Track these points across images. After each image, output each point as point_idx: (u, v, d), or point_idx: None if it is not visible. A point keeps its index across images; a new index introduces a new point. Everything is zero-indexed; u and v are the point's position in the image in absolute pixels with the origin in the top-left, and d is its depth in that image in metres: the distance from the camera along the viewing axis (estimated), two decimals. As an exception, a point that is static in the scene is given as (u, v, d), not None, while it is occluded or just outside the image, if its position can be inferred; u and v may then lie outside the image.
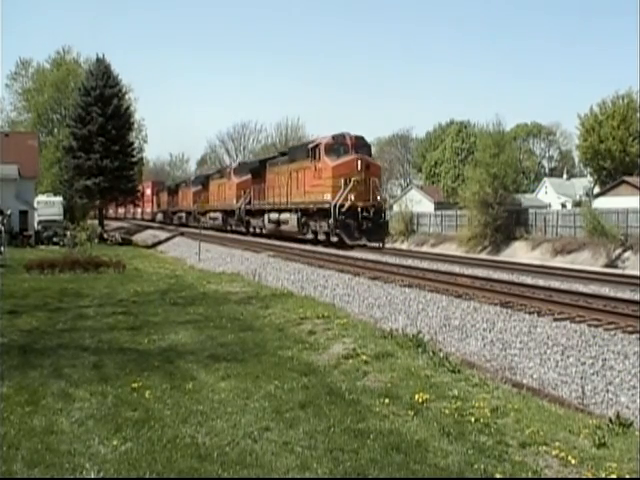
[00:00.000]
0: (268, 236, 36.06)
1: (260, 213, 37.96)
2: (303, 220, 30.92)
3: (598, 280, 16.77)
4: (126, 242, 42.08)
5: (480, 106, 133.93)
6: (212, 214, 48.93)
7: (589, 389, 8.75)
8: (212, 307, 13.53)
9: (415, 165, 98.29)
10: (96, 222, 47.06)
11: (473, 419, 6.42)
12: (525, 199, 53.08)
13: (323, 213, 28.34)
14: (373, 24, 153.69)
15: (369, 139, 31.95)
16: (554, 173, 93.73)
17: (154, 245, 41.12)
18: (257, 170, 39.36)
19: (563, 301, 12.51)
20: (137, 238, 47.94)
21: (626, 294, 13.65)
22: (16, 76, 63.96)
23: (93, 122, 43.45)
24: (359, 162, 27.53)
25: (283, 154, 36.95)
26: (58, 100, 60.02)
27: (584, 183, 75.28)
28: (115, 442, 5.71)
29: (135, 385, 7.39)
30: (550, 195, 76.87)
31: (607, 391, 8.58)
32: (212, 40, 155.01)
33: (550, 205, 64.21)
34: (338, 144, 28.50)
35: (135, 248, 37.96)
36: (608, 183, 58.82)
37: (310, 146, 30.30)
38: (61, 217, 39.37)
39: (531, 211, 37.91)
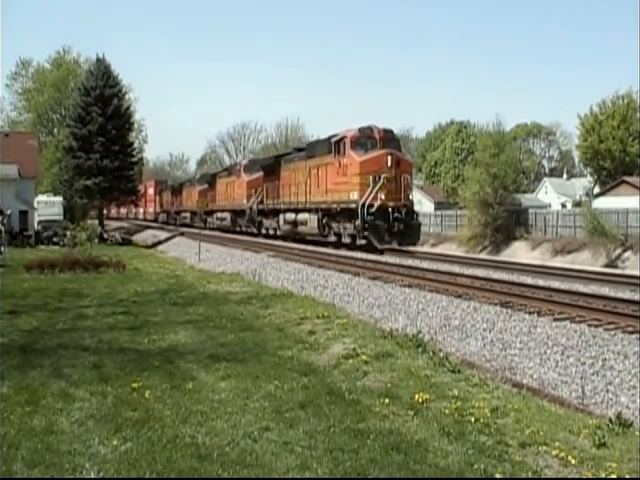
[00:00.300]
0: (283, 238, 34.11)
1: (274, 213, 35.81)
2: (324, 221, 28.70)
3: (598, 280, 16.77)
4: (126, 242, 42.06)
5: (480, 106, 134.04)
6: (219, 214, 46.83)
7: (589, 389, 8.74)
8: (212, 307, 13.53)
9: (415, 165, 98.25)
10: (96, 222, 47.04)
11: (473, 419, 6.42)
12: (525, 199, 53.06)
13: (348, 213, 26.22)
14: (373, 24, 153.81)
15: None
16: (554, 173, 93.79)
17: (154, 245, 41.10)
18: (270, 167, 37.19)
19: (563, 301, 12.51)
20: (137, 238, 47.93)
21: (626, 294, 13.65)
22: (16, 76, 64.08)
23: (93, 122, 43.45)
24: (389, 157, 25.27)
25: (299, 150, 34.75)
26: (58, 100, 60.06)
27: (584, 183, 75.32)
28: (115, 442, 5.71)
29: (135, 385, 7.39)
30: (550, 195, 76.92)
31: (607, 391, 8.58)
32: (212, 40, 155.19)
33: (550, 205, 64.24)
34: (365, 138, 26.18)
35: (135, 248, 37.95)
36: (608, 183, 58.84)
37: (333, 140, 27.62)
38: (61, 217, 39.38)
39: (531, 211, 37.89)
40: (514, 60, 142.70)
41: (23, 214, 37.15)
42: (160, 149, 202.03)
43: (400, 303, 14.26)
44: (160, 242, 42.25)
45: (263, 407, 6.74)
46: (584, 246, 30.40)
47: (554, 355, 9.86)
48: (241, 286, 17.59)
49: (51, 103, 60.74)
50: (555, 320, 11.16)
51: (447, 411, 6.68)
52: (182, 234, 43.67)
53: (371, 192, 24.83)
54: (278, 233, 35.28)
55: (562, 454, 5.57)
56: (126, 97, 52.42)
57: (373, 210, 24.68)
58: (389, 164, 25.16)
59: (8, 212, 33.90)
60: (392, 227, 25.01)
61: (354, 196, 25.44)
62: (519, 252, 33.68)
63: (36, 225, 37.90)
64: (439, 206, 58.79)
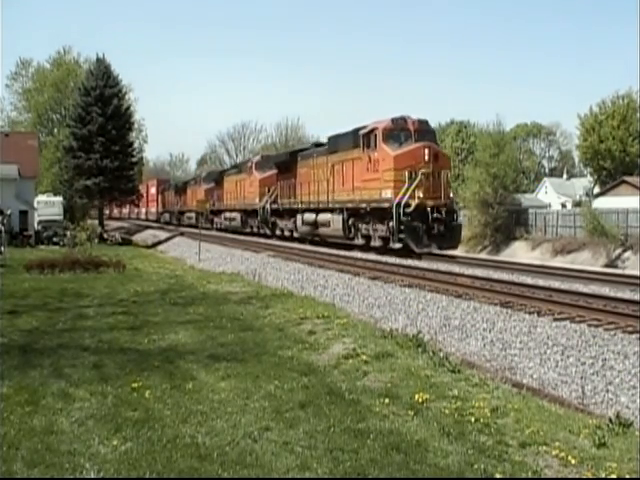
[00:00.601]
0: (301, 240, 31.76)
1: (290, 213, 33.27)
2: (351, 222, 26.15)
3: (598, 280, 16.77)
4: (126, 242, 42.06)
5: (480, 106, 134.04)
6: (228, 214, 44.23)
7: (589, 389, 8.74)
8: (212, 307, 13.53)
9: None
10: (96, 222, 47.05)
11: (473, 419, 6.42)
12: (525, 199, 53.05)
13: (379, 214, 23.75)
14: (373, 24, 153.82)
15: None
16: (554, 173, 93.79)
17: (154, 245, 41.10)
18: (285, 164, 34.55)
19: (563, 301, 12.50)
20: (137, 238, 47.93)
21: (626, 294, 13.64)
22: (16, 76, 64.09)
23: (93, 122, 43.46)
24: (426, 151, 22.77)
25: (318, 145, 32.10)
26: (58, 100, 60.04)
27: (584, 183, 75.36)
28: (115, 442, 5.71)
29: (135, 385, 7.39)
30: (550, 195, 76.92)
31: (607, 391, 8.58)
32: (212, 40, 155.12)
33: (550, 205, 64.23)
34: (398, 129, 23.65)
35: (135, 248, 37.95)
36: (608, 183, 58.87)
37: (362, 132, 24.85)
38: (61, 217, 39.38)
39: (531, 211, 37.91)
40: (514, 60, 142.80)
41: (23, 214, 37.16)
42: (160, 149, 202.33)
43: (400, 303, 14.26)
44: (160, 242, 42.25)
45: (263, 407, 6.74)
46: (584, 246, 30.42)
47: (554, 355, 9.86)
48: (241, 286, 17.59)
49: (51, 103, 60.72)
50: (555, 320, 11.16)
51: (447, 411, 6.68)
52: (182, 234, 43.63)
53: (407, 190, 22.36)
54: (295, 235, 32.96)
55: (562, 454, 5.57)
56: (126, 97, 52.46)
57: (410, 210, 22.24)
58: (426, 158, 22.66)
59: (8, 212, 33.92)
60: (431, 229, 22.61)
61: (387, 194, 23.01)
62: (519, 252, 33.70)
63: (36, 225, 37.91)
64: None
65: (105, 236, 42.56)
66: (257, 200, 37.67)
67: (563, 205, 66.71)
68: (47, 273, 19.50)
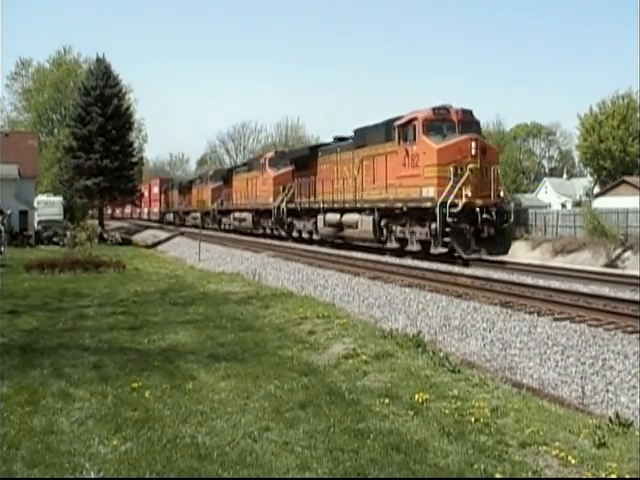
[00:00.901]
0: (321, 243, 29.50)
1: (309, 213, 30.89)
2: (383, 223, 23.62)
3: (598, 280, 16.76)
4: (126, 242, 42.09)
5: (480, 106, 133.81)
6: (238, 214, 41.49)
7: (589, 389, 8.75)
8: (212, 307, 13.54)
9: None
10: (96, 222, 47.07)
11: (473, 419, 6.42)
12: (525, 199, 53.13)
13: (418, 214, 21.40)
14: (373, 24, 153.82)
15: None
16: (554, 173, 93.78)
17: (154, 245, 41.12)
18: (303, 160, 32.19)
19: (563, 301, 12.50)
20: (137, 238, 47.95)
21: (626, 294, 13.64)
22: (16, 76, 64.16)
23: (93, 122, 43.45)
24: (474, 144, 20.33)
25: (341, 139, 29.27)
26: (58, 100, 60.07)
27: (584, 183, 75.42)
28: (115, 442, 5.71)
29: (135, 385, 7.40)
30: (550, 195, 76.89)
31: (607, 391, 8.58)
32: (212, 40, 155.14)
33: (550, 205, 64.22)
34: (440, 120, 21.22)
35: (135, 248, 37.96)
36: (608, 183, 58.94)
37: (397, 123, 22.28)
38: (61, 217, 39.42)
39: (531, 211, 37.87)
40: (514, 60, 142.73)
41: (23, 214, 37.17)
42: (160, 149, 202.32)
43: (400, 303, 14.25)
44: (160, 242, 42.26)
45: (263, 407, 6.74)
46: (584, 246, 30.39)
47: (554, 355, 9.86)
48: (241, 286, 17.60)
49: (51, 103, 60.75)
50: (555, 320, 11.15)
51: (447, 411, 6.68)
52: (182, 234, 43.61)
53: (453, 187, 19.86)
54: (314, 237, 30.47)
55: (562, 454, 5.57)
56: (126, 97, 52.48)
57: (456, 210, 19.71)
58: (473, 152, 20.24)
59: (8, 212, 33.94)
60: (481, 231, 20.17)
61: (429, 193, 20.51)
62: (519, 252, 33.65)
63: (36, 225, 37.92)
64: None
65: (105, 236, 42.58)
66: (271, 199, 35.14)
67: (563, 205, 66.70)
68: (47, 273, 19.51)
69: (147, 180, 77.43)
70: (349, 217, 26.07)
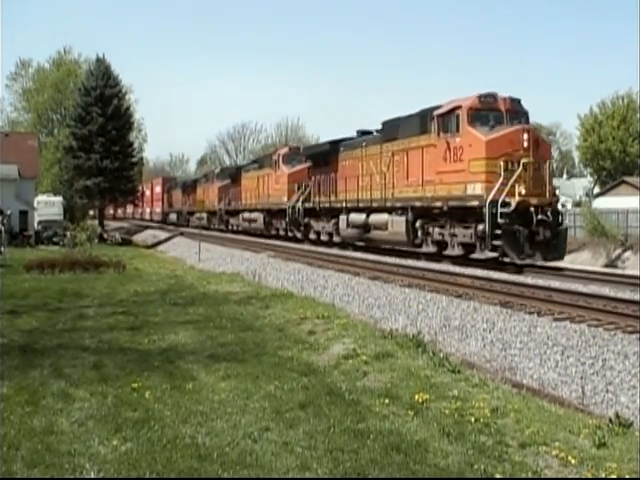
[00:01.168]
0: (342, 246, 27.21)
1: (329, 213, 28.46)
2: (418, 224, 21.19)
3: (598, 280, 16.74)
4: (126, 242, 42.10)
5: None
6: (247, 214, 38.94)
7: (589, 389, 8.74)
8: (212, 307, 13.54)
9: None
10: (96, 222, 47.09)
11: (473, 419, 6.42)
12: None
13: (461, 214, 19.16)
14: (373, 24, 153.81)
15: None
16: (554, 173, 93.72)
17: (154, 245, 41.11)
18: (322, 156, 29.57)
19: (563, 301, 12.50)
20: (137, 238, 47.95)
21: (626, 294, 13.63)
22: (16, 76, 64.12)
23: (93, 122, 43.47)
24: (526, 135, 18.01)
25: (365, 133, 26.79)
26: (58, 100, 60.05)
27: (584, 183, 75.47)
28: (115, 442, 5.72)
29: (135, 385, 7.40)
30: (550, 195, 76.74)
31: (607, 391, 8.58)
32: (212, 40, 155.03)
33: (550, 205, 64.12)
34: (487, 109, 18.88)
35: (135, 248, 37.97)
36: (608, 183, 58.97)
37: (437, 113, 19.84)
38: (61, 217, 39.46)
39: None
40: (514, 60, 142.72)
41: (23, 214, 37.21)
42: (160, 149, 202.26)
43: (400, 303, 14.25)
44: (160, 242, 42.25)
45: (263, 407, 6.74)
46: (584, 246, 30.41)
47: (554, 355, 9.86)
48: (241, 286, 17.60)
49: (51, 103, 60.73)
50: (555, 320, 11.15)
51: (447, 411, 6.68)
52: (182, 234, 43.57)
53: (504, 184, 17.58)
54: (335, 239, 28.07)
55: (562, 454, 5.57)
56: (126, 97, 52.49)
57: (509, 210, 17.46)
58: (526, 145, 17.93)
59: (8, 212, 33.95)
60: (536, 234, 17.87)
61: (476, 190, 18.20)
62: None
63: (36, 225, 37.96)
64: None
65: (105, 236, 42.60)
66: (285, 198, 32.50)
67: (563, 205, 66.51)
68: (47, 273, 19.51)
69: (150, 179, 76.18)
70: (377, 217, 23.82)
